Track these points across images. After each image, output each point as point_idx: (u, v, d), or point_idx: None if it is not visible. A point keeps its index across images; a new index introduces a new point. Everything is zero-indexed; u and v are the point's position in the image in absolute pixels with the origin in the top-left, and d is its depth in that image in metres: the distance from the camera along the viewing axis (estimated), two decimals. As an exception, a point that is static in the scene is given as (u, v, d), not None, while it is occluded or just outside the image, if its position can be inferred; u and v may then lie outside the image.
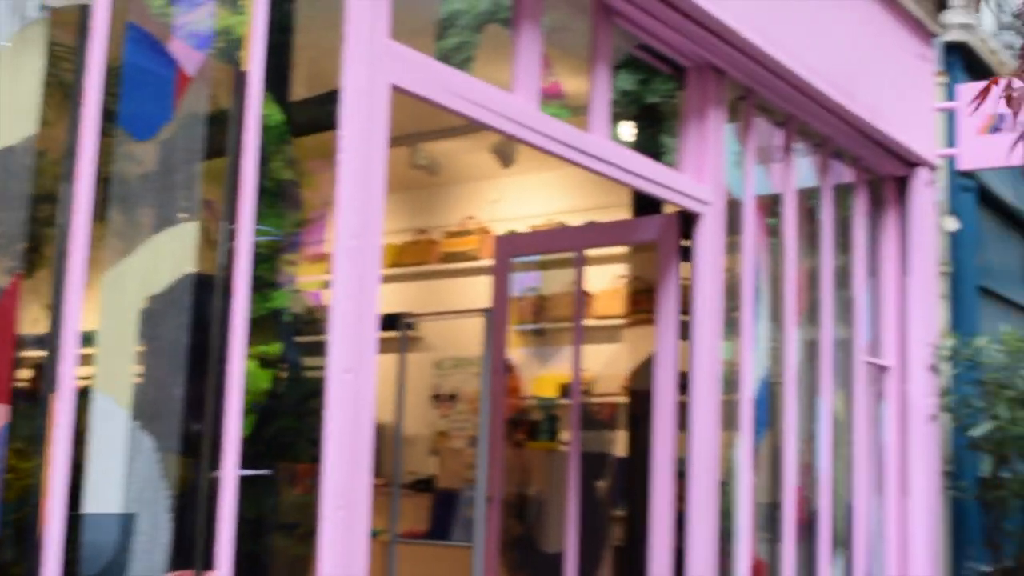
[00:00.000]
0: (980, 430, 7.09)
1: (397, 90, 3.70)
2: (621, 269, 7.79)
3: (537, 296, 8.24)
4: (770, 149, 6.32)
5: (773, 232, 6.29)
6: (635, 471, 6.17)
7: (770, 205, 6.33)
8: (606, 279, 7.86)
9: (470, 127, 7.53)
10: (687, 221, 5.49)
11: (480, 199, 8.84)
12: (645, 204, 6.17)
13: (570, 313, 7.97)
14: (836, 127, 6.64)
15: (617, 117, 5.18)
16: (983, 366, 7.42)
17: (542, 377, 7.88)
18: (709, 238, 5.43)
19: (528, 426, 7.43)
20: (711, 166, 5.50)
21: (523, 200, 8.54)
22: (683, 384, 5.40)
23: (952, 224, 7.91)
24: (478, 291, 8.28)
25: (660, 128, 5.76)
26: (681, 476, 5.34)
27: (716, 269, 5.47)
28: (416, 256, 8.99)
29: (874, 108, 6.77)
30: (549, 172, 8.26)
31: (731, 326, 5.75)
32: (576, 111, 4.94)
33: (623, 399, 6.97)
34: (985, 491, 7.50)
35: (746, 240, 5.81)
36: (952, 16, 8.15)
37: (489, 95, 4.12)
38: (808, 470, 6.48)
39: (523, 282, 8.34)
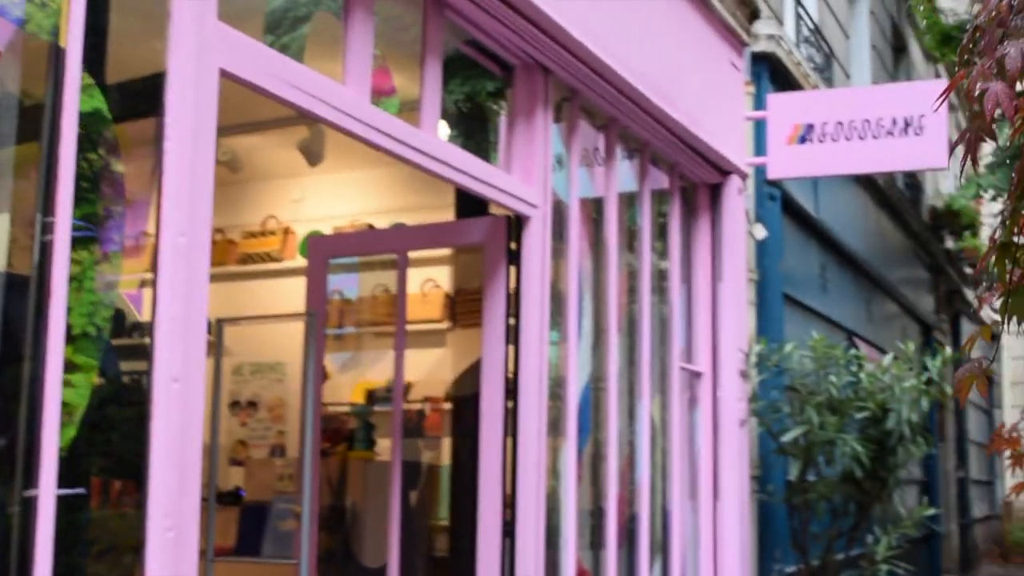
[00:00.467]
0: (790, 435, 7.19)
1: (225, 75, 3.43)
2: (431, 273, 7.60)
3: (342, 300, 7.98)
4: (593, 153, 6.24)
5: (595, 237, 6.22)
6: (460, 479, 5.99)
7: (592, 210, 6.26)
8: (417, 283, 7.66)
9: (275, 122, 7.24)
10: (515, 224, 5.34)
11: (283, 198, 8.50)
12: (468, 206, 6.00)
13: (376, 317, 7.75)
14: (655, 132, 6.62)
15: (446, 115, 5.00)
16: (791, 372, 7.54)
17: (351, 383, 7.63)
18: (537, 241, 5.30)
19: (343, 435, 7.17)
20: (539, 168, 5.38)
21: (329, 200, 8.26)
22: (510, 390, 5.25)
23: (761, 232, 8.03)
24: (278, 294, 7.96)
25: (487, 128, 5.60)
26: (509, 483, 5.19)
27: (544, 273, 5.34)
28: (213, 257, 8.56)
29: (691, 114, 6.79)
30: (358, 172, 8.01)
31: (556, 331, 5.63)
32: (407, 107, 4.74)
33: (445, 406, 6.79)
34: (792, 495, 7.63)
35: (571, 244, 5.71)
36: (761, 27, 8.29)
37: (320, 84, 3.88)
38: (628, 476, 6.44)
39: (329, 285, 8.06)
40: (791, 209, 9.09)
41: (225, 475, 7.92)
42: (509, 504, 5.17)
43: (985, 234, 20.73)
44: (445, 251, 7.24)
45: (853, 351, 7.60)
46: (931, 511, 7.73)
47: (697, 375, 7.38)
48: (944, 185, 18.89)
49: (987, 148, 14.80)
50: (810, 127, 7.69)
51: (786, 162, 7.75)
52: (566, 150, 5.81)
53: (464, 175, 4.78)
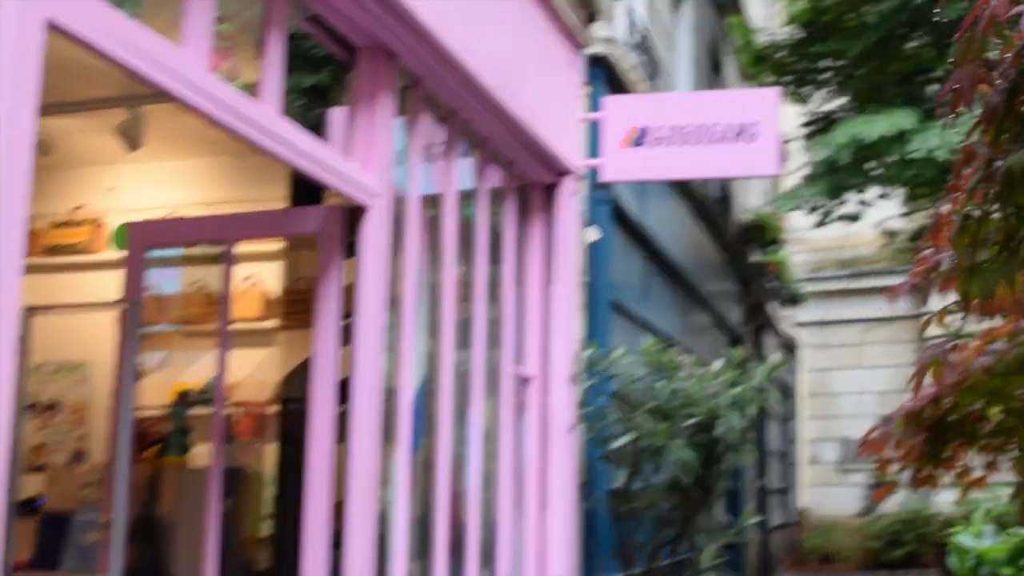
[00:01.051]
0: (620, 442, 7.06)
1: (54, 29, 3.04)
2: (258, 269, 7.19)
3: (159, 295, 7.48)
4: (433, 146, 5.98)
5: (432, 234, 5.96)
6: (285, 488, 5.63)
7: (430, 206, 6.00)
8: (242, 279, 7.24)
9: (90, 103, 6.73)
10: (352, 215, 5.03)
11: (95, 186, 7.94)
12: (303, 200, 5.65)
13: (194, 315, 7.29)
14: (496, 127, 6.41)
15: (287, 95, 4.66)
16: (620, 377, 7.43)
17: (165, 385, 7.15)
18: (376, 234, 5.01)
19: (154, 439, 6.69)
20: (380, 155, 5.08)
21: (146, 190, 7.74)
22: (342, 393, 4.93)
23: (593, 235, 7.91)
24: (85, 290, 7.41)
25: (327, 112, 5.28)
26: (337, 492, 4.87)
27: (382, 268, 5.05)
28: (16, 247, 7.94)
29: (531, 111, 6.60)
30: (180, 160, 7.53)
31: (391, 331, 5.35)
32: (248, 92, 4.38)
33: (271, 410, 6.41)
34: (618, 503, 7.51)
35: (410, 240, 5.43)
36: (598, 29, 8.17)
37: (159, 46, 3.51)
38: (458, 483, 6.19)
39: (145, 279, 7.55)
40: (620, 214, 9.01)
41: (22, 482, 7.33)
42: (338, 513, 4.85)
43: (789, 249, 21.32)
44: (273, 247, 6.85)
45: (683, 357, 7.52)
46: (757, 519, 7.73)
47: (527, 380, 7.19)
48: (751, 200, 19.32)
49: (795, 161, 15.17)
50: (645, 130, 7.60)
51: (620, 165, 7.64)
52: (408, 141, 5.53)
53: (304, 157, 4.45)
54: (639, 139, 7.61)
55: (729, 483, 7.49)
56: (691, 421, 7.10)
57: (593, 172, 8.03)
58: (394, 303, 5.33)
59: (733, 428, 6.97)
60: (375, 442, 4.95)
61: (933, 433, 3.43)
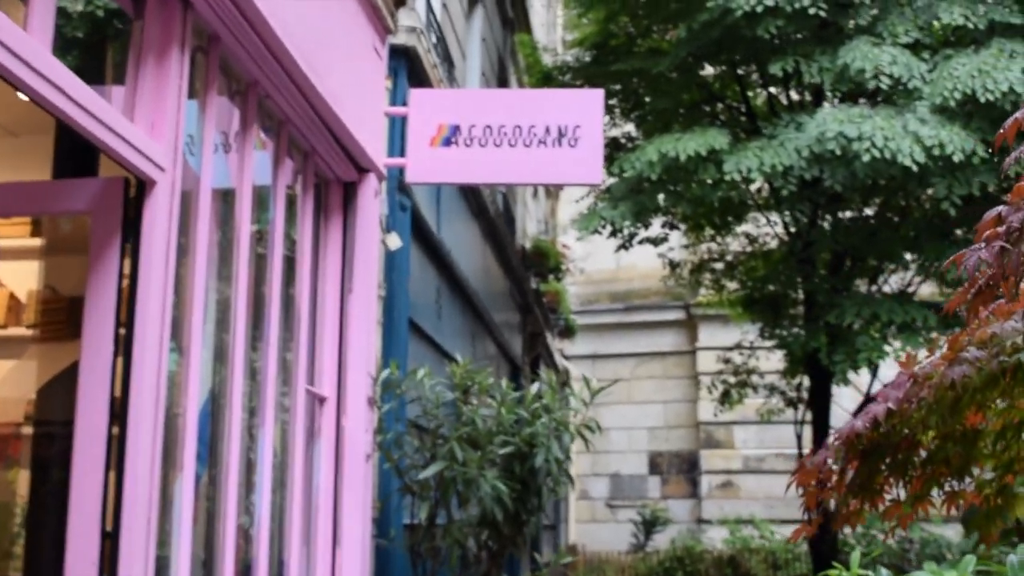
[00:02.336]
0: (428, 472, 6.30)
1: None
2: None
3: None
4: (228, 122, 5.11)
5: (224, 226, 5.08)
6: (39, 520, 4.62)
7: (221, 194, 5.12)
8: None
9: None
10: (133, 194, 4.12)
11: None
12: (70, 173, 4.68)
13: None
14: (299, 107, 5.58)
15: (60, 41, 3.74)
16: (423, 402, 6.69)
17: None
18: (163, 217, 4.12)
19: None
20: (168, 123, 4.20)
21: None
22: (116, 412, 4.01)
23: (395, 242, 7.14)
24: None
25: (107, 65, 4.36)
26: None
27: (169, 260, 4.16)
28: None
29: (336, 95, 5.80)
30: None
31: (175, 341, 4.46)
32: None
33: (23, 431, 5.34)
34: (419, 540, 6.73)
35: (200, 229, 4.55)
36: (404, 17, 7.44)
37: None
38: (246, 516, 5.29)
39: None
40: (418, 224, 8.28)
41: None
42: (108, 551, 3.92)
43: (568, 279, 21.01)
44: (24, 242, 5.78)
45: (495, 381, 6.84)
46: (568, 558, 7.08)
47: (321, 400, 6.34)
48: (531, 226, 18.91)
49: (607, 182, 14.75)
50: (456, 128, 6.90)
51: (427, 166, 6.91)
52: (201, 112, 4.65)
53: (79, 109, 3.54)
54: (449, 138, 6.90)
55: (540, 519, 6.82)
56: (505, 450, 6.41)
57: (395, 173, 7.29)
58: (180, 307, 4.44)
59: (552, 459, 6.31)
60: (156, 468, 4.04)
61: (867, 461, 2.83)
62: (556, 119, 6.91)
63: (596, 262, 24.03)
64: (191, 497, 4.39)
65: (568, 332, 21.49)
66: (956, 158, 8.96)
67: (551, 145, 6.88)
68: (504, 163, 6.88)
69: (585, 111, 6.97)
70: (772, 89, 12.98)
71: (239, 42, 4.78)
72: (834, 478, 2.86)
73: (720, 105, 13.17)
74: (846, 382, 14.93)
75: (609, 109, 14.33)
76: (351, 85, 6.25)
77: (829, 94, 11.08)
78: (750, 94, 13.50)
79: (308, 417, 6.19)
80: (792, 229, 12.31)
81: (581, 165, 6.89)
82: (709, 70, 14.06)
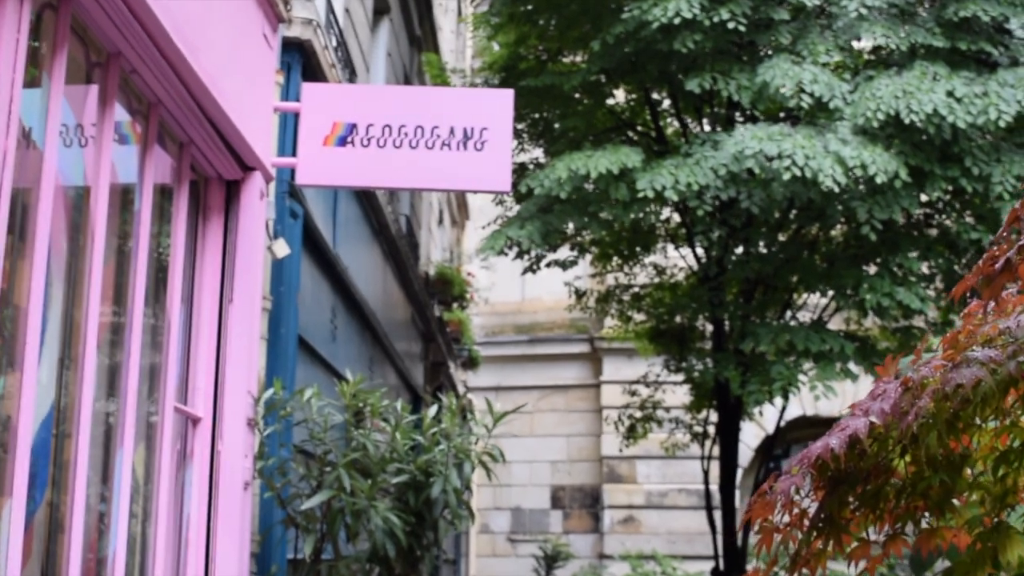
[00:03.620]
0: (313, 502, 5.66)
1: None
2: None
3: None
4: (82, 100, 4.47)
5: (73, 221, 4.42)
6: None
7: (72, 185, 4.47)
8: None
9: None
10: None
11: None
12: None
13: None
14: (172, 90, 4.95)
15: None
16: (309, 425, 6.05)
17: None
18: (-9, 192, 3.47)
19: None
20: (3, 85, 3.55)
21: None
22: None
23: (283, 249, 6.51)
24: None
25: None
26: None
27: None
28: None
29: (215, 77, 5.18)
30: None
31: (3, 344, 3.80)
32: None
33: None
34: (301, 577, 6.08)
35: (39, 218, 3.90)
36: (298, 8, 6.84)
37: None
38: (97, 550, 4.61)
39: None
40: (310, 234, 7.65)
41: None
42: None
43: (472, 309, 20.43)
44: None
45: (389, 403, 6.23)
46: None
47: (194, 421, 5.67)
48: (435, 254, 18.33)
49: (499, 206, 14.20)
50: (352, 127, 6.31)
51: (319, 166, 6.30)
52: (47, 80, 4.01)
53: None
54: (344, 137, 6.30)
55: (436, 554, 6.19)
56: (399, 479, 5.80)
57: (286, 177, 6.67)
58: (6, 303, 3.79)
59: (451, 489, 5.71)
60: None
61: (836, 490, 2.28)
62: (463, 120, 6.35)
63: (501, 293, 23.52)
64: (21, 529, 3.72)
65: (472, 363, 20.88)
66: (879, 179, 8.58)
67: (456, 148, 6.32)
68: (404, 166, 6.30)
69: (494, 112, 6.43)
70: (686, 116, 12.60)
71: (98, 2, 4.15)
72: (795, 510, 2.31)
73: (631, 133, 12.72)
74: (754, 415, 14.61)
75: (517, 134, 13.84)
76: (235, 71, 5.63)
77: (746, 116, 10.69)
78: (662, 122, 13.10)
79: (179, 439, 5.53)
80: (706, 254, 11.89)
81: (488, 170, 6.34)
82: (620, 96, 13.64)
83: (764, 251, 11.34)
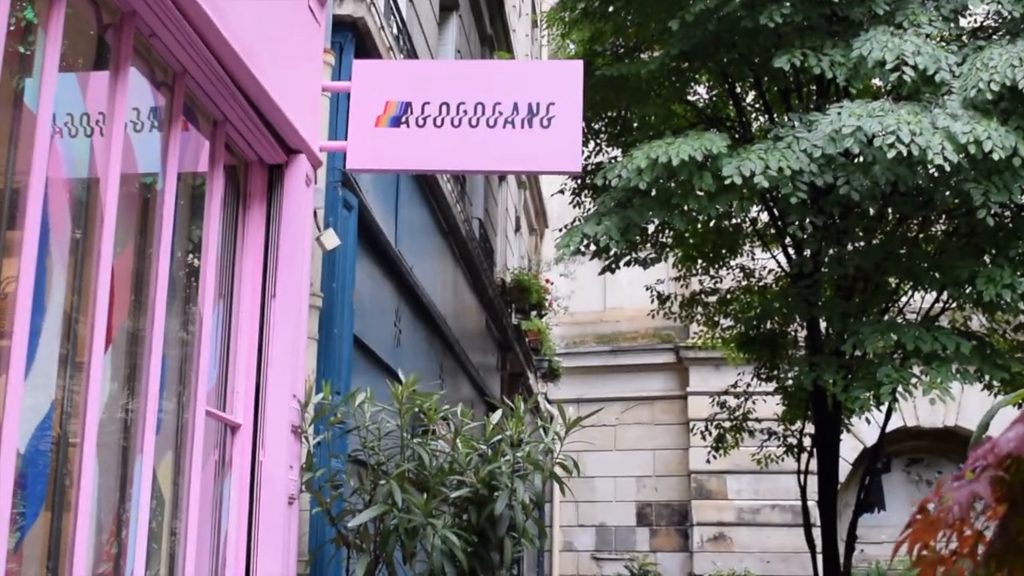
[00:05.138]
0: (360, 519, 5.09)
1: None
2: None
3: None
4: (89, 57, 3.95)
5: (77, 206, 3.90)
6: None
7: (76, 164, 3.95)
8: None
9: None
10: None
11: None
12: None
13: None
14: (200, 59, 4.43)
15: None
16: (362, 432, 5.49)
17: None
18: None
19: None
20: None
21: None
22: None
23: (332, 240, 5.94)
24: None
25: None
26: None
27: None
28: None
29: (252, 51, 4.64)
30: None
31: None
32: None
33: None
34: (355, 603, 5.49)
35: (30, 207, 3.37)
36: (348, -19, 6.31)
37: None
38: (114, 570, 4.07)
39: None
40: (367, 229, 7.09)
41: None
42: None
43: (552, 319, 19.78)
44: None
45: (448, 407, 5.63)
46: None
47: (233, 428, 5.13)
48: (511, 261, 17.74)
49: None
50: (406, 106, 5.75)
51: (372, 149, 5.75)
52: (42, 32, 3.49)
53: None
54: (398, 117, 5.74)
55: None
56: (459, 493, 5.20)
57: (337, 163, 6.14)
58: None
59: (518, 504, 5.09)
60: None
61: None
62: (527, 95, 5.76)
63: (581, 302, 22.84)
64: (2, 548, 3.17)
65: (552, 375, 20.21)
66: (996, 156, 7.78)
67: (521, 126, 5.73)
68: (464, 147, 5.72)
69: (562, 86, 5.83)
70: (772, 107, 11.85)
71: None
72: (966, 531, 1.65)
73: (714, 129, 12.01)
74: (851, 426, 13.73)
75: (594, 133, 13.22)
76: (274, 44, 5.10)
77: (840, 98, 9.92)
78: (746, 118, 12.36)
79: (216, 448, 4.99)
80: (798, 250, 11.10)
81: (556, 149, 5.73)
82: (701, 91, 12.95)
83: (863, 244, 10.53)
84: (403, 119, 5.73)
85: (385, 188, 7.74)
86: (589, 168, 13.25)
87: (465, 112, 5.73)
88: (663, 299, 15.20)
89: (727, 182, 8.44)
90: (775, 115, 11.61)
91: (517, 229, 19.46)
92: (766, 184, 8.35)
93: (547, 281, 18.46)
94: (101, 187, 3.91)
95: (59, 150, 3.79)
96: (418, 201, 9.04)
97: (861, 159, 8.55)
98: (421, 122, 5.72)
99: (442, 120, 5.72)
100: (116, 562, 4.07)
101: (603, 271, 11.49)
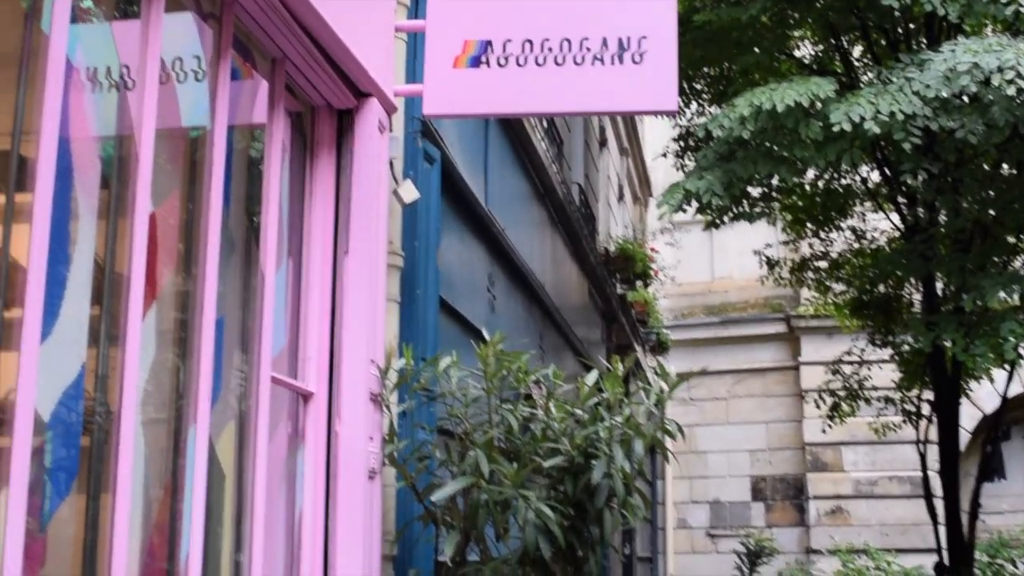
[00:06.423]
0: (443, 492, 4.64)
1: None
2: None
3: None
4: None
5: (105, 157, 3.50)
6: None
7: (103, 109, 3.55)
8: None
9: None
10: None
11: None
12: None
13: None
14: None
15: None
16: (447, 399, 5.05)
17: None
18: None
19: None
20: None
21: None
22: None
23: (411, 193, 5.50)
24: None
25: None
26: None
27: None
28: None
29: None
30: None
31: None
32: None
33: None
34: (445, 585, 5.06)
35: (43, 152, 2.98)
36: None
37: None
38: (163, 554, 3.68)
39: None
40: (452, 185, 6.63)
41: None
42: None
43: (658, 290, 19.16)
44: None
45: (540, 368, 5.16)
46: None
47: (305, 397, 4.72)
48: (614, 230, 17.19)
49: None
50: (486, 44, 5.27)
51: (450, 93, 5.28)
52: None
53: None
54: (477, 57, 5.27)
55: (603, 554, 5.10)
56: (553, 462, 4.72)
57: (415, 112, 5.70)
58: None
59: (618, 472, 4.60)
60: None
61: None
62: (617, 29, 5.24)
63: (688, 272, 22.23)
64: (19, 529, 2.78)
65: (660, 347, 19.62)
66: None
67: (610, 63, 5.22)
68: (549, 88, 5.23)
69: (655, 17, 5.30)
70: (878, 52, 11.12)
71: None
72: None
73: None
74: (969, 392, 12.97)
75: (696, 94, 12.63)
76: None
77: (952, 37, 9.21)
78: (854, 62, 11.66)
79: (283, 419, 4.58)
80: (911, 204, 10.40)
81: (650, 87, 5.21)
82: (806, 47, 12.26)
83: (980, 195, 9.80)
84: (483, 59, 5.26)
85: (472, 143, 7.29)
86: (691, 130, 12.68)
87: (550, 50, 5.24)
88: (772, 264, 14.59)
89: (835, 129, 7.83)
90: (883, 68, 10.92)
91: (620, 198, 18.90)
92: (877, 130, 7.71)
93: (652, 249, 17.87)
94: (135, 125, 3.51)
95: (90, 91, 3.41)
96: (509, 159, 8.57)
97: (978, 100, 7.87)
98: (503, 62, 5.25)
99: (525, 59, 5.24)
100: (169, 545, 3.68)
101: (707, 227, 10.93)
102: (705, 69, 12.00)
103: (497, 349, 4.82)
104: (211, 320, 3.84)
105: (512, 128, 8.43)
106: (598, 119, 15.23)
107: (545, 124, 10.18)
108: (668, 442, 5.41)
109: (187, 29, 3.98)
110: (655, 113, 7.03)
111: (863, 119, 7.67)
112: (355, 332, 4.86)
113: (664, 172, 19.19)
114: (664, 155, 13.96)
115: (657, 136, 19.16)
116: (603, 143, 16.04)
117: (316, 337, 4.79)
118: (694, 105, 12.81)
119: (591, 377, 5.02)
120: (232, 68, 4.12)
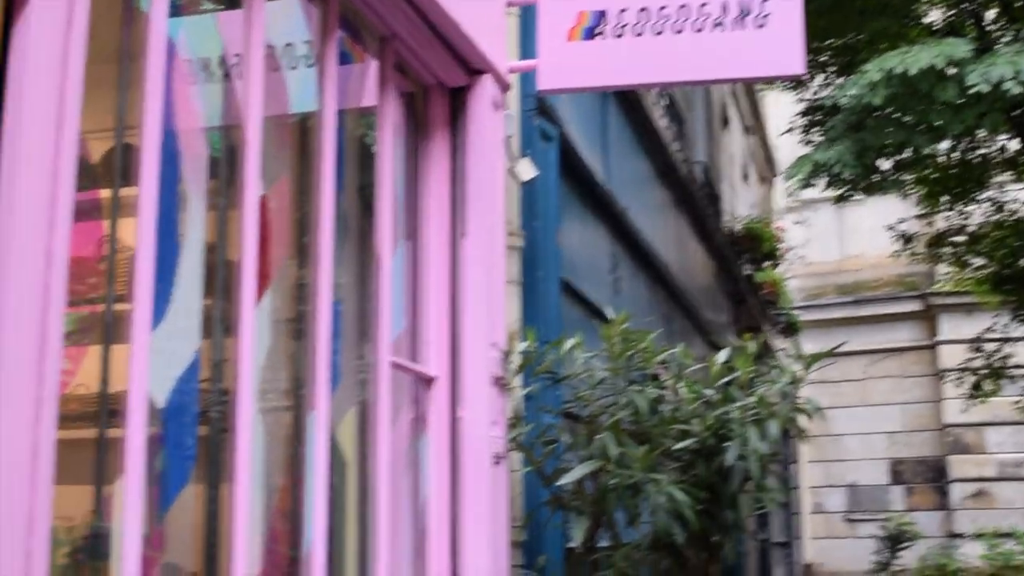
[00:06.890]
0: (571, 476, 4.50)
1: None
2: None
3: None
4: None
5: (213, 140, 3.44)
6: None
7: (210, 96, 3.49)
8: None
9: None
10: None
11: None
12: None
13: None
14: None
15: None
16: (572, 382, 4.90)
17: None
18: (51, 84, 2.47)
19: None
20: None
21: None
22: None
23: (528, 171, 5.36)
24: None
25: None
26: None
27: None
28: None
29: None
30: None
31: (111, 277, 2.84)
32: None
33: None
34: (576, 570, 4.92)
35: (147, 139, 2.91)
36: None
37: None
38: (286, 541, 3.61)
39: None
40: (572, 165, 6.48)
41: None
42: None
43: (787, 270, 18.76)
44: None
45: (668, 349, 4.99)
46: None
47: (427, 381, 4.62)
48: (740, 210, 16.85)
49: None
50: (601, 15, 5.09)
51: (566, 67, 5.11)
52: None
53: None
54: (592, 28, 5.10)
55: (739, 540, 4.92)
56: (684, 444, 4.55)
57: (530, 89, 5.56)
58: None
59: (752, 454, 4.40)
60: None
61: None
62: (737, -8, 5.02)
63: (818, 252, 21.75)
64: (136, 517, 2.72)
65: (791, 329, 19.20)
66: None
67: (731, 28, 4.99)
68: (668, 57, 5.03)
69: (779, -23, 5.06)
70: (1016, 14, 10.64)
71: None
72: None
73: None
74: None
75: (821, 67, 12.27)
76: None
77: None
78: (988, 28, 11.19)
79: (404, 405, 4.49)
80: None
81: (774, 51, 4.97)
82: (936, 15, 11.82)
83: None
84: (598, 30, 5.08)
85: (590, 121, 7.13)
86: (817, 103, 12.32)
87: (667, 17, 5.04)
88: (907, 239, 14.14)
89: (972, 92, 7.47)
90: (1022, 27, 10.43)
91: (745, 177, 18.54)
92: (1017, 91, 7.35)
93: (779, 228, 17.49)
94: (242, 113, 3.43)
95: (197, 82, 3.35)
96: (629, 137, 8.38)
97: None
98: (619, 32, 5.07)
99: (642, 28, 5.05)
100: (292, 532, 3.60)
101: (836, 201, 10.60)
102: (830, 40, 11.66)
103: (622, 329, 4.66)
104: (327, 305, 3.76)
105: (631, 106, 8.25)
106: (720, 97, 14.92)
107: (666, 101, 9.97)
108: (804, 424, 5.20)
109: (293, 13, 3.91)
110: (781, 78, 6.80)
111: (1003, 79, 7.32)
112: (475, 315, 4.74)
113: (790, 151, 18.76)
114: (790, 130, 13.62)
115: (781, 113, 18.74)
116: (725, 122, 15.72)
117: (436, 321, 4.69)
118: (819, 78, 12.46)
119: (721, 356, 4.83)
120: (341, 51, 4.04)
